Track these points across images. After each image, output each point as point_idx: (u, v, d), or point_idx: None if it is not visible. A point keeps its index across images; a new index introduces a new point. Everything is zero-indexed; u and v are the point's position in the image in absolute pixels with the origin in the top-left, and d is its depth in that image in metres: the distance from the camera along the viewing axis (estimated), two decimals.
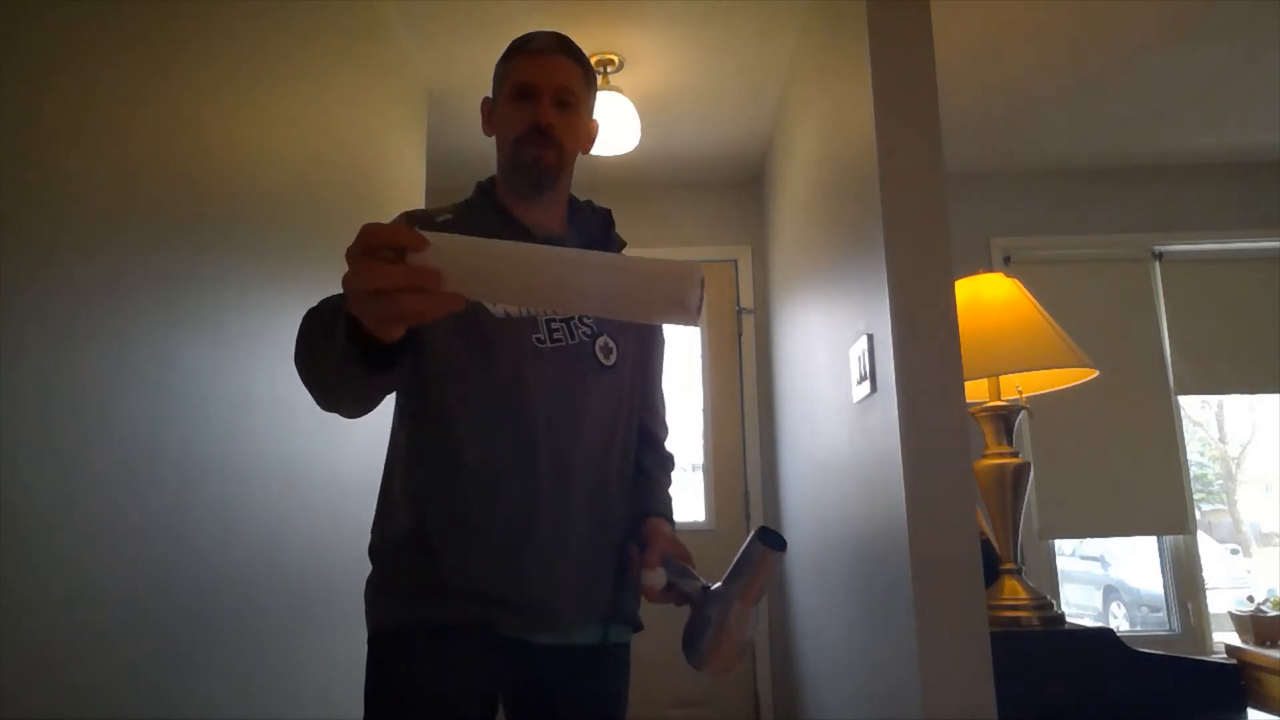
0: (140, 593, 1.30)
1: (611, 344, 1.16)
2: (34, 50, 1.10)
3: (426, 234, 0.69)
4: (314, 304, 0.96)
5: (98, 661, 1.20)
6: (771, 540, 1.00)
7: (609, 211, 1.31)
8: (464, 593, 1.03)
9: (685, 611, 1.04)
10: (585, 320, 1.15)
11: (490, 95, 1.24)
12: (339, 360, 0.82)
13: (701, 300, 0.71)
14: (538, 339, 1.10)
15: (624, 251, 1.29)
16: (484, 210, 1.19)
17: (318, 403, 0.95)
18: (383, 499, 1.14)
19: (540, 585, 1.06)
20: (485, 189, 1.23)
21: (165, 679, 1.36)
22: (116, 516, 1.24)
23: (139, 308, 1.32)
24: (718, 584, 1.02)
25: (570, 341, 1.12)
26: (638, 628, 1.19)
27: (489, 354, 1.07)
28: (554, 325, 1.12)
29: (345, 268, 0.88)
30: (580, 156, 1.26)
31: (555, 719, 1.11)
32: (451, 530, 1.05)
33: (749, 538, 1.01)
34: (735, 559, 1.02)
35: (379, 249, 0.68)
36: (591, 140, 1.25)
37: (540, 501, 1.07)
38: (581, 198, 1.32)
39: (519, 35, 1.21)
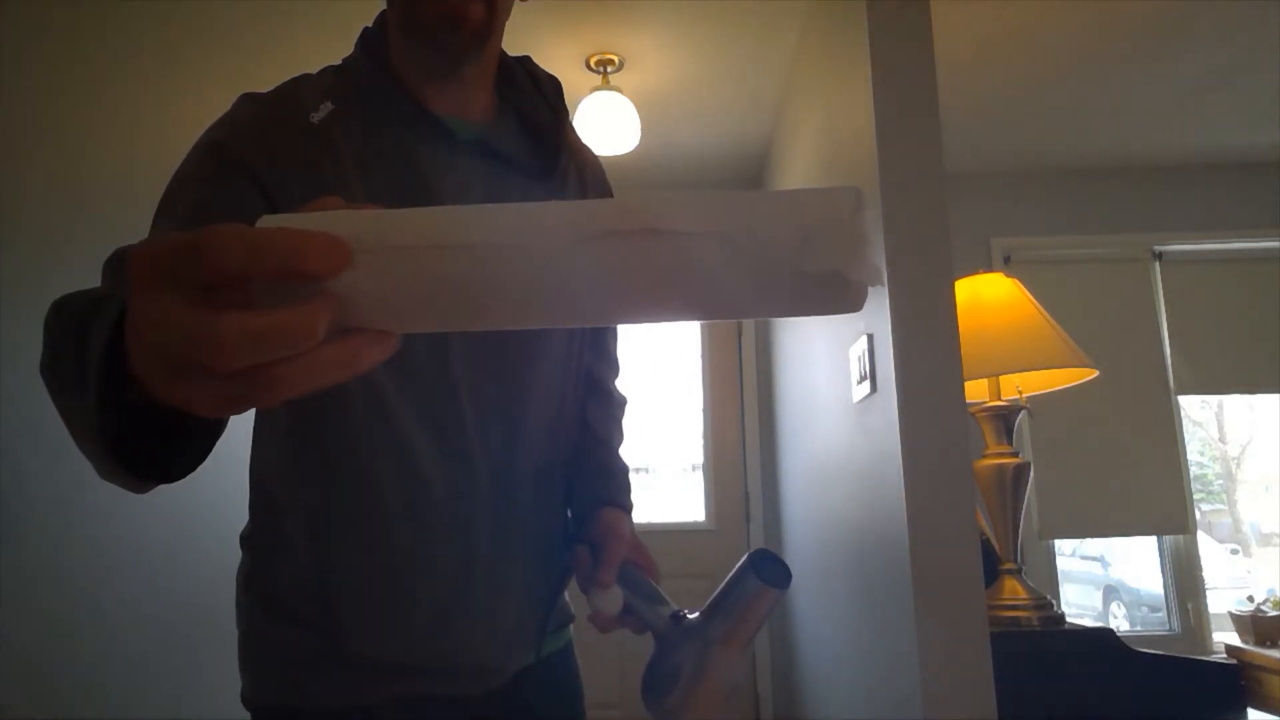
0: (141, 590, 1.30)
1: None
2: (38, 54, 1.10)
3: (305, 224, 0.34)
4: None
5: (98, 658, 1.20)
6: (769, 573, 0.74)
7: (559, 86, 0.88)
8: (390, 667, 0.76)
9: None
10: None
11: None
12: (97, 453, 0.48)
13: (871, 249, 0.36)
14: None
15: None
16: (381, 96, 0.78)
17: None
18: (266, 522, 0.81)
19: (481, 641, 0.80)
20: (373, 48, 0.80)
21: (165, 676, 1.36)
22: (116, 514, 1.24)
23: None
24: (694, 614, 0.77)
25: None
26: (571, 620, 0.95)
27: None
28: None
29: None
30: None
31: None
32: (370, 592, 0.76)
33: (740, 564, 0.76)
34: (721, 587, 0.76)
35: (239, 280, 0.32)
36: None
37: (478, 536, 0.78)
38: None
39: None
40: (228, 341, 0.31)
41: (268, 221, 0.35)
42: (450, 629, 0.77)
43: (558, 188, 0.86)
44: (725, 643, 0.74)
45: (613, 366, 1.00)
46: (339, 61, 0.82)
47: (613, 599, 0.78)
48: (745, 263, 0.35)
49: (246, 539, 0.84)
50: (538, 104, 0.86)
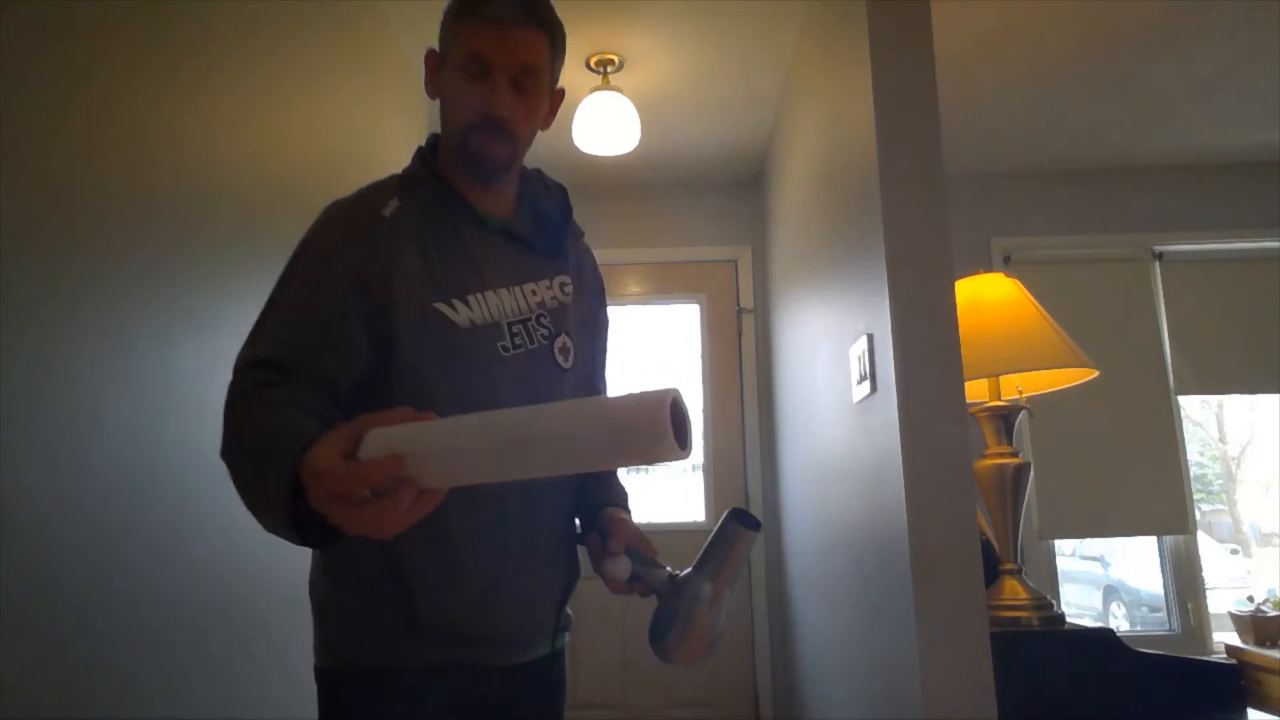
0: (140, 594, 1.30)
1: (569, 344, 1.10)
2: (35, 54, 1.10)
3: (390, 436, 0.71)
4: (237, 407, 0.90)
5: (96, 663, 1.20)
6: (745, 520, 0.95)
7: (565, 191, 1.18)
8: (442, 632, 0.97)
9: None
10: (543, 321, 1.07)
11: (436, 48, 1.07)
12: (282, 530, 0.78)
13: (684, 429, 0.67)
14: (503, 347, 1.02)
15: (584, 240, 1.22)
16: (435, 195, 1.05)
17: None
18: None
19: (511, 614, 1.02)
20: (429, 159, 1.08)
21: (163, 680, 1.36)
22: (115, 518, 1.24)
23: (138, 309, 1.32)
24: (687, 570, 0.97)
25: (531, 346, 1.05)
26: (570, 625, 1.16)
27: (458, 366, 0.99)
28: (514, 329, 1.04)
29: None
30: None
31: None
32: (429, 563, 0.97)
33: (721, 519, 0.98)
34: (706, 543, 0.97)
35: (355, 493, 0.70)
36: (554, 113, 1.13)
37: (511, 523, 1.01)
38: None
39: None
40: (358, 522, 0.71)
41: (373, 437, 0.72)
42: (492, 596, 0.99)
43: (561, 265, 1.13)
44: (714, 581, 0.94)
45: None
46: (399, 171, 1.10)
47: (621, 566, 0.98)
48: (592, 448, 0.67)
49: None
50: (548, 203, 1.15)
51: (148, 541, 1.32)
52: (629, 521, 1.05)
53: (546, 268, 1.10)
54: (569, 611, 1.14)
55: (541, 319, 1.06)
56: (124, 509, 1.26)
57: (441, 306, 0.98)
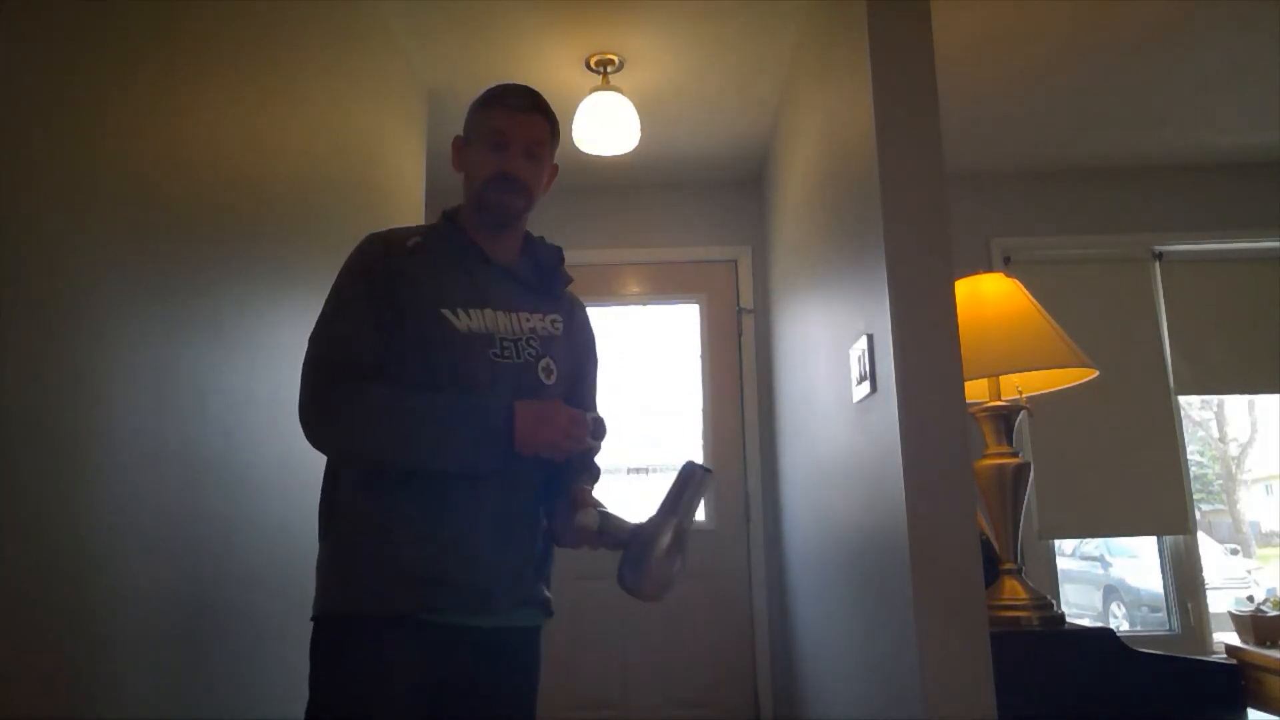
0: (142, 592, 1.30)
1: (552, 366, 1.31)
2: (37, 54, 1.10)
3: None
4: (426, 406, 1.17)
5: (95, 662, 1.20)
6: (696, 467, 1.18)
7: (559, 250, 1.46)
8: (416, 578, 1.14)
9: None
10: (531, 343, 1.29)
11: (461, 135, 1.37)
12: (483, 455, 1.16)
13: None
14: (494, 353, 1.24)
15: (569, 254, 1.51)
16: (450, 238, 1.33)
17: (366, 455, 1.18)
18: (335, 481, 1.24)
19: (482, 570, 1.18)
20: (451, 217, 1.36)
21: (163, 680, 1.36)
22: (117, 517, 1.24)
23: (139, 309, 1.32)
24: (650, 517, 1.15)
25: (517, 360, 1.26)
26: (550, 613, 1.32)
27: (458, 362, 1.21)
28: (505, 343, 1.26)
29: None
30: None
31: (480, 699, 1.21)
32: (411, 520, 1.17)
33: (680, 467, 1.20)
34: (666, 491, 1.17)
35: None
36: (550, 182, 1.43)
37: (488, 496, 1.21)
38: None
39: (493, 86, 1.35)
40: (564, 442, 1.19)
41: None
42: (466, 551, 1.18)
43: (554, 306, 1.38)
44: (673, 512, 1.14)
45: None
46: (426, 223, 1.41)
47: (590, 516, 1.16)
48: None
49: (332, 512, 1.23)
50: (545, 256, 1.41)
51: (149, 541, 1.32)
52: (591, 489, 1.30)
53: (541, 304, 1.35)
54: (547, 594, 1.32)
55: (531, 341, 1.29)
56: (126, 510, 1.26)
57: (446, 312, 1.22)
